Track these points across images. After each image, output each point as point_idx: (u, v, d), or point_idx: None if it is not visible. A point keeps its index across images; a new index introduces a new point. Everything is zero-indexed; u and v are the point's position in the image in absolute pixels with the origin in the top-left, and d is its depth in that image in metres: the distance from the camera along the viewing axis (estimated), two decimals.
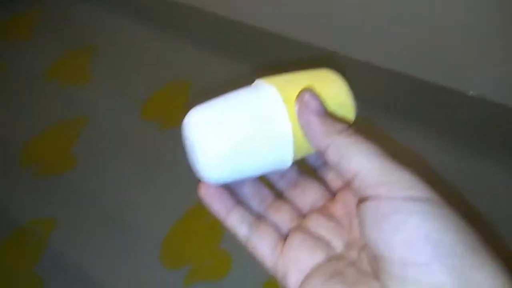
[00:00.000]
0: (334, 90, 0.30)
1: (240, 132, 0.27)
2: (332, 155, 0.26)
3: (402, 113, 0.91)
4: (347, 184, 0.30)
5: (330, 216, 0.30)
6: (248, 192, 0.32)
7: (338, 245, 0.29)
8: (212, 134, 0.27)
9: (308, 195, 0.32)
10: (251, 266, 0.76)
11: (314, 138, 0.27)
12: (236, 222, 0.30)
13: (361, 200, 0.24)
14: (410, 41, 0.93)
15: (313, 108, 0.28)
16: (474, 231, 0.23)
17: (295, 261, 0.28)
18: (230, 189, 0.31)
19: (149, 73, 1.10)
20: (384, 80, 1.00)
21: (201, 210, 0.82)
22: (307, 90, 0.28)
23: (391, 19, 0.93)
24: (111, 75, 1.11)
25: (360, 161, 0.25)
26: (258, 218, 0.31)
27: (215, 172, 0.27)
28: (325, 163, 0.32)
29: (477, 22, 0.82)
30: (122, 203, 0.83)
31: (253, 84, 0.30)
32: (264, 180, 0.32)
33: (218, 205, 0.30)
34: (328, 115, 0.28)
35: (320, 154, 0.27)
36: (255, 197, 0.32)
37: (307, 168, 0.33)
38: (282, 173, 0.32)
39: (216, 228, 0.79)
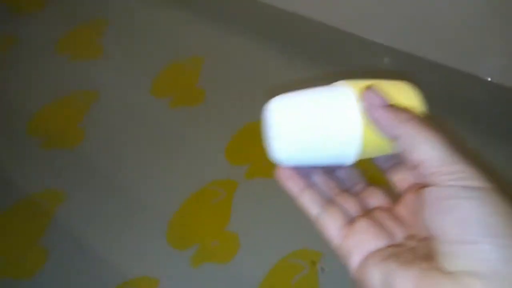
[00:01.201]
0: (408, 99, 0.33)
1: (314, 123, 0.31)
2: (402, 144, 0.29)
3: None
4: (411, 187, 0.33)
5: (394, 215, 0.33)
6: (317, 181, 0.34)
7: (399, 237, 0.31)
8: (289, 120, 0.31)
9: (373, 199, 0.34)
10: (259, 249, 0.76)
11: (385, 130, 0.30)
12: (308, 201, 0.33)
13: (424, 186, 0.27)
14: (428, 23, 0.89)
15: (379, 102, 0.30)
16: None
17: (359, 244, 0.30)
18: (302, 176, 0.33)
19: (161, 49, 1.07)
20: (404, 64, 0.97)
21: (209, 191, 0.80)
22: (370, 88, 0.31)
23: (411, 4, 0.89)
24: (122, 50, 1.09)
25: (426, 150, 0.27)
26: (329, 201, 0.33)
27: (284, 155, 0.31)
28: (392, 166, 0.35)
29: (500, 8, 0.78)
30: (130, 180, 0.82)
31: (333, 84, 0.33)
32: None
33: (292, 184, 0.33)
34: (394, 106, 0.30)
35: (394, 146, 0.29)
36: (324, 186, 0.34)
37: (374, 173, 0.35)
38: (351, 184, 0.35)
39: (224, 210, 0.78)
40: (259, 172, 0.81)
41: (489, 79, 0.88)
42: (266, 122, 0.33)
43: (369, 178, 0.36)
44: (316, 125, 0.31)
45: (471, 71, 0.89)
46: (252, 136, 0.87)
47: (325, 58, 1.00)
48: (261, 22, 1.11)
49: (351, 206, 0.33)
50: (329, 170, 0.35)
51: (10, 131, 0.92)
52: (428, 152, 0.27)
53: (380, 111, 0.30)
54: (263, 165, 0.82)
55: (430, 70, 0.93)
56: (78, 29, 1.16)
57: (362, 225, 0.31)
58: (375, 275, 0.28)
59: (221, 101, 0.94)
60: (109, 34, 1.13)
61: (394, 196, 0.34)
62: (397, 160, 0.34)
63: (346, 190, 0.35)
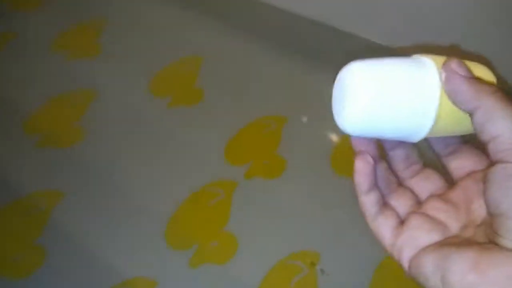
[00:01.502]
0: (487, 77, 0.32)
1: (392, 90, 0.29)
2: (479, 117, 0.27)
3: None
4: (470, 174, 0.32)
5: (448, 201, 0.32)
6: (379, 175, 0.34)
7: (454, 227, 0.30)
8: (369, 84, 0.29)
9: (428, 183, 0.34)
10: (258, 250, 0.75)
11: (465, 100, 0.28)
12: (371, 202, 0.32)
13: (493, 163, 0.26)
14: (425, 22, 0.89)
15: (461, 73, 0.29)
16: None
17: (411, 239, 0.30)
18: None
19: (160, 48, 1.07)
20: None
21: (208, 192, 0.80)
22: (453, 59, 0.30)
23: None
24: (121, 49, 1.08)
25: (502, 126, 0.26)
26: (386, 203, 0.33)
27: (355, 121, 0.30)
28: (450, 153, 0.34)
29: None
30: (128, 180, 0.81)
31: (412, 56, 0.32)
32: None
33: (366, 181, 0.32)
34: (476, 78, 0.29)
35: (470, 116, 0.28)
36: (384, 181, 0.34)
37: (431, 158, 0.35)
38: (409, 163, 0.34)
39: (223, 210, 0.77)
40: (259, 172, 0.81)
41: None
42: (340, 84, 0.31)
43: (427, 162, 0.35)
44: (394, 92, 0.30)
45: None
46: (251, 136, 0.86)
47: (326, 59, 0.99)
48: (261, 22, 1.10)
49: (406, 201, 0.33)
50: (391, 147, 0.34)
51: (6, 130, 0.92)
52: (505, 127, 0.26)
53: (462, 79, 0.29)
54: (263, 165, 0.82)
55: None
56: (77, 28, 1.15)
57: (415, 221, 0.31)
58: (428, 262, 0.28)
59: (220, 101, 0.94)
60: (107, 33, 1.12)
61: (450, 179, 0.34)
62: (457, 147, 0.34)
63: (402, 183, 0.35)
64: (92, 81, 1.00)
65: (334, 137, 0.84)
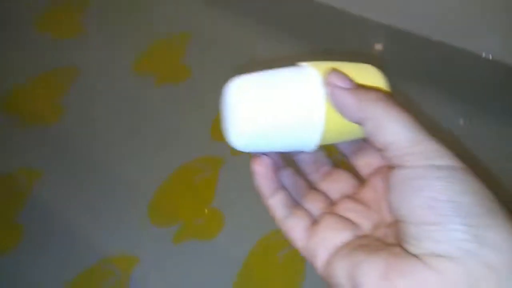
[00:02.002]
0: (373, 81, 0.31)
1: (273, 107, 0.28)
2: (369, 127, 0.27)
3: (414, 75, 0.86)
4: (377, 170, 0.32)
5: (359, 201, 0.31)
6: (285, 181, 0.33)
7: (366, 226, 0.30)
8: (246, 103, 0.28)
9: (340, 184, 0.33)
10: (243, 226, 0.73)
11: (351, 112, 0.28)
12: (278, 204, 0.31)
13: (391, 169, 0.26)
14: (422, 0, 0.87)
15: (342, 84, 0.28)
16: (493, 195, 0.24)
17: (323, 241, 0.29)
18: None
19: (145, 25, 1.04)
20: (396, 41, 0.95)
21: (193, 168, 0.78)
22: (333, 71, 0.29)
23: None
24: (104, 27, 1.05)
25: (392, 132, 0.26)
26: (296, 204, 0.32)
27: (242, 139, 0.29)
28: (355, 151, 0.34)
29: None
30: (111, 158, 0.79)
31: (297, 65, 0.31)
32: (298, 171, 0.34)
33: (267, 184, 0.31)
34: (359, 87, 0.29)
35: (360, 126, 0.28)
36: (292, 187, 0.33)
37: (339, 158, 0.35)
38: (318, 166, 0.34)
39: (208, 187, 0.75)
40: None
41: (490, 56, 0.86)
42: (224, 102, 0.30)
43: (335, 161, 0.35)
44: (277, 108, 0.29)
45: (471, 48, 0.87)
46: None
47: (316, 37, 0.97)
48: None
49: (317, 204, 0.32)
50: (295, 154, 0.34)
51: None
52: (397, 132, 0.26)
53: (345, 93, 0.28)
54: None
55: (427, 47, 0.91)
56: (59, 6, 1.11)
57: (325, 221, 0.30)
58: (340, 270, 0.27)
59: (207, 79, 0.91)
60: (91, 10, 1.09)
61: (361, 178, 0.33)
62: (361, 145, 0.33)
63: (314, 183, 0.34)
64: (74, 60, 0.97)
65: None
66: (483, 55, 0.86)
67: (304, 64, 0.31)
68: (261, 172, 0.31)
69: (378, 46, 0.96)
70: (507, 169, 0.68)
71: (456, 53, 0.88)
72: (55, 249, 0.66)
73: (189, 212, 0.73)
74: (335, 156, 0.34)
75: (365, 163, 0.33)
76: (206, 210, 0.72)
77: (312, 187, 0.34)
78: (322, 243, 0.29)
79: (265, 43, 0.97)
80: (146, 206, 0.72)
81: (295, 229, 0.31)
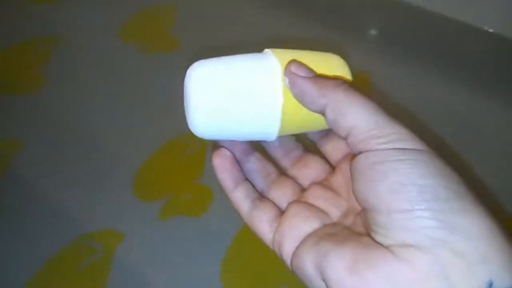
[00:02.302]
0: (336, 69, 0.31)
1: (232, 97, 0.28)
2: (329, 113, 0.26)
3: (414, 47, 0.83)
4: (346, 155, 0.31)
5: (328, 188, 0.30)
6: (252, 168, 0.32)
7: (335, 214, 0.29)
8: (205, 92, 0.28)
9: (310, 170, 0.32)
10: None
11: (310, 102, 0.27)
12: (241, 197, 0.30)
13: (354, 156, 0.25)
14: None
15: (302, 74, 0.28)
16: (460, 177, 0.23)
17: (290, 230, 0.28)
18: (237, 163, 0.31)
19: None
20: (397, 14, 0.92)
21: (182, 142, 0.75)
22: (292, 62, 0.29)
23: None
24: None
25: (354, 117, 0.25)
26: (261, 194, 0.31)
27: (201, 128, 0.29)
28: (322, 137, 0.33)
29: None
30: (95, 129, 0.75)
31: (262, 52, 0.31)
32: (269, 158, 0.33)
33: (229, 178, 0.30)
34: (318, 76, 0.28)
35: (321, 113, 0.27)
36: (259, 173, 0.32)
37: (310, 143, 0.33)
38: (287, 151, 0.33)
39: (196, 163, 0.72)
40: None
41: (491, 30, 0.83)
42: (184, 88, 0.30)
43: (308, 146, 0.34)
44: (235, 98, 0.28)
45: (472, 21, 0.84)
46: None
47: (316, 12, 0.93)
48: None
49: (286, 191, 0.31)
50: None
51: None
52: (357, 117, 0.25)
53: (304, 81, 0.28)
54: None
55: (429, 21, 0.88)
56: None
57: (292, 210, 0.29)
58: (307, 261, 0.25)
59: (196, 50, 0.87)
60: None
61: (331, 164, 0.33)
62: (329, 130, 0.32)
63: (285, 169, 0.33)
64: (55, 28, 0.92)
65: None
66: (485, 28, 0.83)
67: (268, 51, 0.30)
68: (221, 165, 0.31)
69: (380, 21, 0.92)
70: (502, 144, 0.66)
71: (457, 26, 0.85)
72: (34, 223, 0.63)
73: (176, 188, 0.70)
74: (307, 140, 0.33)
75: (334, 148, 0.32)
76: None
77: (282, 173, 0.33)
78: (288, 233, 0.28)
79: (257, 15, 0.93)
80: (131, 180, 0.69)
81: (261, 222, 0.30)
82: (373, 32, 0.93)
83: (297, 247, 0.27)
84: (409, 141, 0.23)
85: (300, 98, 0.28)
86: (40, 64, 0.86)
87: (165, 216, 0.66)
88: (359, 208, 0.28)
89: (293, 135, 0.33)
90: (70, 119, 0.77)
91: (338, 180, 0.31)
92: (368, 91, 0.78)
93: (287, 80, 0.28)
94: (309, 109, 0.28)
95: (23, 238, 0.62)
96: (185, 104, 0.30)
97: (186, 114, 0.30)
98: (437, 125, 0.71)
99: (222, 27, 0.92)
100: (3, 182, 0.68)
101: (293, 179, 0.32)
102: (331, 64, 0.31)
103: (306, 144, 0.34)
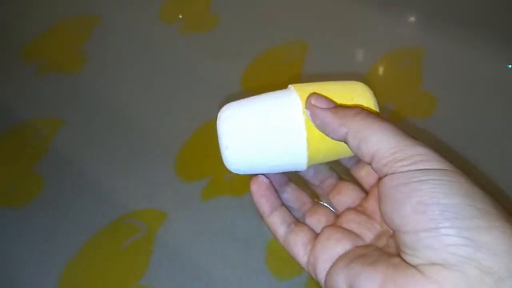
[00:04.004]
0: (360, 101, 0.32)
1: (259, 134, 0.30)
2: (351, 142, 0.27)
3: (454, 15, 0.77)
4: (378, 180, 0.30)
5: (362, 212, 0.31)
6: (288, 198, 0.33)
7: (368, 236, 0.30)
8: (233, 131, 0.31)
9: (344, 197, 0.33)
10: None
11: (332, 132, 0.29)
12: (277, 222, 0.31)
13: (380, 179, 0.25)
14: None
15: (322, 105, 0.29)
16: (486, 194, 0.23)
17: (323, 251, 0.29)
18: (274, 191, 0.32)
19: None
20: None
21: None
22: (312, 94, 0.30)
23: None
24: None
25: (376, 142, 0.26)
26: (296, 221, 0.32)
27: (233, 164, 0.31)
28: (355, 163, 0.34)
29: None
30: (135, 108, 0.74)
31: (286, 89, 0.33)
32: (305, 185, 0.34)
33: (265, 203, 0.32)
34: (338, 106, 0.29)
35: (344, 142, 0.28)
36: (295, 203, 0.33)
37: (344, 170, 0.34)
38: (321, 179, 0.34)
39: None
40: None
41: None
42: (218, 127, 0.32)
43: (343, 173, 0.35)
44: (261, 135, 0.31)
45: None
46: (269, 64, 0.77)
47: None
48: None
49: (320, 218, 0.32)
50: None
51: (6, 56, 0.85)
52: (378, 142, 0.26)
53: (325, 113, 0.29)
54: None
55: None
56: None
57: (327, 232, 0.30)
58: (340, 282, 0.26)
59: (237, 27, 0.84)
60: None
61: (364, 189, 0.33)
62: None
63: (320, 196, 0.34)
64: (96, 7, 0.91)
65: (358, 63, 0.75)
66: None
67: (290, 86, 0.32)
68: (258, 191, 0.32)
69: None
70: None
71: None
72: (76, 202, 0.62)
73: (219, 168, 0.67)
74: (341, 167, 0.34)
75: (367, 173, 0.33)
76: None
77: (317, 201, 0.34)
78: (321, 255, 0.29)
79: None
80: (173, 160, 0.67)
81: (296, 245, 0.31)
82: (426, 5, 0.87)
83: (330, 268, 0.28)
84: (431, 162, 0.24)
85: (322, 128, 0.29)
86: (80, 43, 0.85)
87: (208, 196, 0.64)
88: (391, 231, 0.28)
89: (326, 163, 0.34)
90: (110, 98, 0.75)
91: (371, 204, 0.31)
92: (420, 67, 0.71)
93: (308, 113, 0.30)
94: (332, 138, 0.29)
95: (64, 216, 0.61)
96: (219, 143, 0.32)
97: (221, 153, 0.32)
98: (492, 101, 0.66)
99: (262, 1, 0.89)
100: (45, 159, 0.67)
101: (326, 207, 0.34)
102: (354, 93, 0.32)
103: (341, 170, 0.34)
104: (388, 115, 0.66)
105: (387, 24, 0.81)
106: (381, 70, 0.74)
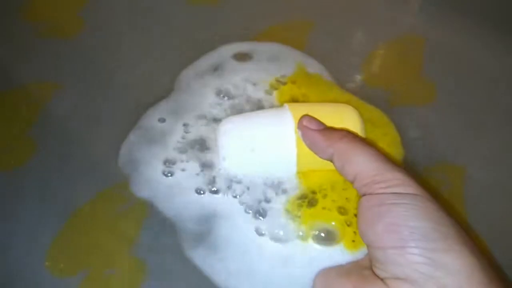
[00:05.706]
0: (348, 124, 0.36)
1: (253, 148, 0.34)
2: (337, 162, 0.31)
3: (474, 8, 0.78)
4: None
5: None
6: None
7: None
8: (230, 144, 0.35)
9: None
10: None
11: (320, 152, 0.33)
12: None
13: (359, 198, 0.29)
14: None
15: (313, 127, 0.33)
16: (450, 219, 0.26)
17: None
18: None
19: None
20: None
21: None
22: (305, 116, 0.34)
23: None
24: None
25: (358, 164, 0.29)
26: None
27: (234, 171, 0.35)
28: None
29: None
30: (132, 77, 0.72)
31: (281, 107, 0.37)
32: None
33: None
34: (326, 129, 0.34)
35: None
36: None
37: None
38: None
39: None
40: None
41: None
42: (217, 138, 0.38)
43: None
44: (256, 149, 0.35)
45: None
46: (274, 40, 0.77)
47: None
48: None
49: None
50: None
51: (2, 17, 0.82)
52: (360, 164, 0.29)
53: (313, 134, 0.33)
54: None
55: None
56: None
57: None
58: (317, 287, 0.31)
59: (242, 2, 0.84)
60: None
61: None
62: None
63: None
64: None
65: (365, 46, 0.75)
66: None
67: (286, 106, 0.37)
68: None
69: None
70: None
71: None
72: (69, 165, 0.61)
73: None
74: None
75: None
76: None
77: None
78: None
79: None
80: None
81: None
82: None
83: (318, 276, 0.32)
84: (406, 186, 0.27)
85: (311, 147, 0.34)
86: (78, 8, 0.83)
87: None
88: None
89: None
90: (108, 64, 0.74)
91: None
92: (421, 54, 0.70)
93: (300, 133, 0.34)
94: (320, 157, 0.33)
95: (56, 181, 0.60)
96: (218, 153, 0.37)
97: (219, 159, 0.37)
98: (495, 91, 0.67)
99: None
100: (40, 122, 0.66)
101: None
102: (343, 115, 0.36)
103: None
104: (387, 102, 0.66)
105: (392, 10, 0.81)
106: (381, 55, 0.74)
